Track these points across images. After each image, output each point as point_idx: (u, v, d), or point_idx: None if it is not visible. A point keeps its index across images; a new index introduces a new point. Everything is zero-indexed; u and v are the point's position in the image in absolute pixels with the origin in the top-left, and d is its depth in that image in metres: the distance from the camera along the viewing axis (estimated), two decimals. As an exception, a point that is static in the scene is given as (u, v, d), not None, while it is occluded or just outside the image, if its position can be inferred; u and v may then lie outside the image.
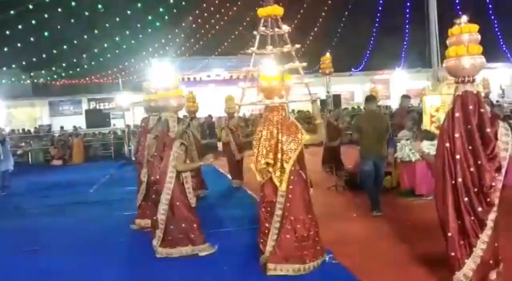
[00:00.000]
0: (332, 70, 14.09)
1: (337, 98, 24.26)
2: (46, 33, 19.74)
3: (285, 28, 5.46)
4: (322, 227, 6.12)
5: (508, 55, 26.11)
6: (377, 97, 7.15)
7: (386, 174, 8.54)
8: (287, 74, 4.90)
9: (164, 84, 6.11)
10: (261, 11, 5.10)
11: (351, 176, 8.89)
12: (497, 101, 23.63)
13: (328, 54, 14.07)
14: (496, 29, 25.01)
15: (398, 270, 4.58)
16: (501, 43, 25.61)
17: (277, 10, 5.09)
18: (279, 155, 4.62)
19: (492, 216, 3.72)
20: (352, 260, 4.85)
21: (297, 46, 5.22)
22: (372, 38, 25.89)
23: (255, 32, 5.07)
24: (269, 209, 4.71)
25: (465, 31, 3.90)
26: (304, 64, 5.01)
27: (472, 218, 3.73)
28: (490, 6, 23.64)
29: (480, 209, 3.71)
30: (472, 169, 3.70)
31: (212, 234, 5.84)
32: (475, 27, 3.92)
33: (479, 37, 3.93)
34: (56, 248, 6.17)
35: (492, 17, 23.99)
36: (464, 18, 3.97)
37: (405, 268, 4.59)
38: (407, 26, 24.36)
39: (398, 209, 7.11)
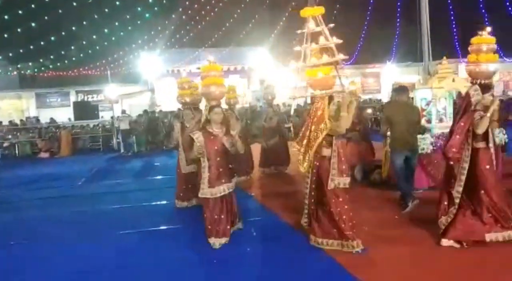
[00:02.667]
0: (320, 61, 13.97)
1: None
2: (33, 24, 19.42)
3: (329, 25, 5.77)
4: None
5: (498, 49, 26.25)
6: (408, 88, 7.06)
7: (377, 167, 8.57)
8: (327, 66, 5.12)
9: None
10: (304, 12, 5.46)
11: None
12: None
13: (315, 45, 13.97)
14: (487, 24, 25.11)
15: (388, 262, 4.56)
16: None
17: (319, 10, 5.59)
18: (305, 142, 5.16)
19: None
20: (341, 252, 4.84)
21: (339, 41, 5.44)
22: (363, 32, 25.87)
23: (304, 31, 5.39)
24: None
25: (484, 41, 5.03)
26: (346, 56, 5.25)
27: None
28: (480, 1, 23.76)
29: None
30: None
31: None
32: (493, 39, 5.08)
33: (495, 46, 5.12)
34: (44, 241, 6.09)
35: (483, 11, 24.11)
36: (488, 29, 5.13)
37: (394, 263, 4.58)
38: (398, 20, 24.40)
39: (388, 202, 7.10)
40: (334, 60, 5.26)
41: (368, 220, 6.02)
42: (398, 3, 23.19)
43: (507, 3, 22.87)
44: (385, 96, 25.14)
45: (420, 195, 7.25)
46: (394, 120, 6.73)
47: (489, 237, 4.71)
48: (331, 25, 5.65)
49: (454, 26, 24.89)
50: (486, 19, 24.63)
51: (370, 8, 24.54)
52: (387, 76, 26.88)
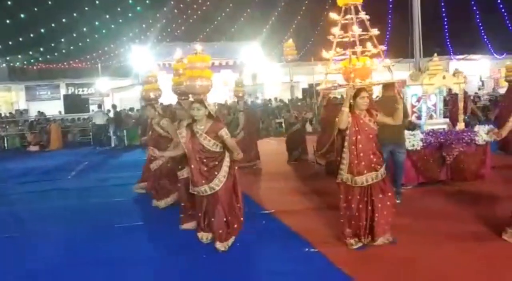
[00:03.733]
0: (296, 58, 14.02)
1: (319, 87, 24.23)
2: (22, 16, 19.19)
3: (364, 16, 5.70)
4: (297, 215, 6.22)
5: (489, 47, 26.44)
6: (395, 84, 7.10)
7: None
8: (363, 57, 4.91)
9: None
10: (341, 0, 5.34)
11: (333, 164, 8.90)
12: (476, 93, 24.03)
13: (290, 41, 13.93)
14: (478, 21, 25.28)
15: (375, 257, 4.60)
16: (483, 35, 25.90)
17: None
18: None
19: None
20: (330, 248, 4.85)
21: (377, 32, 5.40)
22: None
23: (335, 17, 5.32)
24: None
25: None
26: (384, 47, 5.20)
27: None
28: (472, -3, 23.88)
29: None
30: None
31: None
32: None
33: None
34: (35, 234, 6.05)
35: (474, 8, 24.24)
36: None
37: (385, 257, 4.61)
38: (390, 16, 24.45)
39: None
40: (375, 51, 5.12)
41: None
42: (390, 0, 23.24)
43: (498, 1, 23.01)
44: (376, 92, 25.23)
45: (409, 191, 7.33)
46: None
47: None
48: (367, 16, 5.52)
49: (445, 23, 25.01)
50: (477, 17, 24.82)
51: (362, 4, 24.54)
52: (379, 72, 26.94)
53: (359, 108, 4.79)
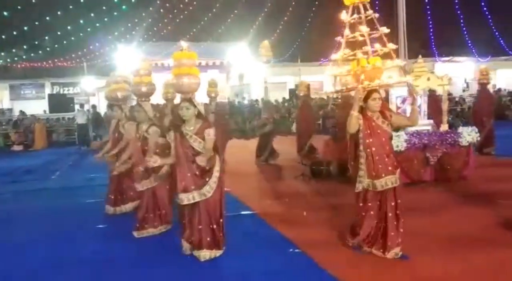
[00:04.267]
0: (271, 59, 14.09)
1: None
2: (5, 13, 18.92)
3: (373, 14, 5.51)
4: (282, 216, 6.23)
5: (473, 50, 26.78)
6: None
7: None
8: (375, 56, 4.71)
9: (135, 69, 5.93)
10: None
11: (318, 165, 8.98)
12: (460, 95, 24.36)
13: (266, 42, 13.98)
14: (462, 25, 25.61)
15: (359, 258, 4.62)
16: (466, 38, 26.24)
17: None
18: None
19: None
20: (314, 249, 4.85)
21: (387, 30, 5.20)
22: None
23: (343, 18, 5.09)
24: None
25: None
26: (395, 46, 4.91)
27: None
28: (456, 1, 24.17)
29: None
30: None
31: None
32: None
33: None
34: (18, 234, 5.96)
35: (458, 12, 24.55)
36: None
37: (369, 258, 4.63)
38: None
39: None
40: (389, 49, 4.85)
41: (344, 216, 6.09)
42: (376, 2, 23.39)
43: (482, 3, 23.34)
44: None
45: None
46: None
47: None
48: (376, 14, 5.35)
49: (430, 26, 25.29)
50: (461, 20, 25.14)
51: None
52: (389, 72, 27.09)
53: (371, 110, 4.55)
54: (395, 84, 4.75)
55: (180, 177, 4.56)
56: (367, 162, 4.53)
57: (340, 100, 11.16)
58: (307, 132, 11.45)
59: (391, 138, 4.69)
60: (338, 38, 5.19)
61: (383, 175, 4.48)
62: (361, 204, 4.64)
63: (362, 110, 4.55)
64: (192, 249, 4.72)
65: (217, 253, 4.68)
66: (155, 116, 6.14)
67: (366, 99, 4.54)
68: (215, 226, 4.67)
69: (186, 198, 4.55)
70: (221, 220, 4.73)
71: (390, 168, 4.51)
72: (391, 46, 4.96)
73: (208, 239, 4.63)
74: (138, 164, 5.52)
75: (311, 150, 11.16)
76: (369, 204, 4.60)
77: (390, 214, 4.51)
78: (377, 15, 5.39)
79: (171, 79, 4.94)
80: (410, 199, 6.85)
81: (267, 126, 11.43)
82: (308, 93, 11.81)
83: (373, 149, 4.51)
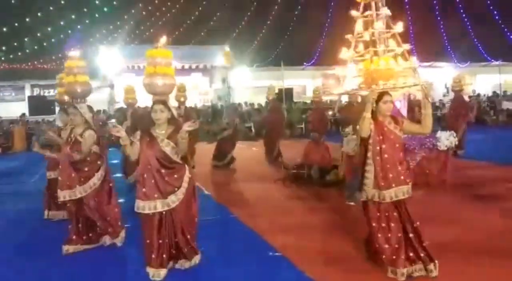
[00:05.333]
0: (230, 65, 14.27)
1: (289, 92, 24.46)
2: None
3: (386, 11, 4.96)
4: (262, 219, 6.23)
5: (453, 55, 27.23)
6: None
7: (333, 167, 8.74)
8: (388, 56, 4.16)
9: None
10: None
11: (298, 170, 9.05)
12: (440, 100, 24.73)
13: (227, 48, 14.14)
14: (442, 30, 26.05)
15: (339, 261, 4.65)
16: (446, 44, 26.67)
17: None
18: None
19: None
20: (293, 252, 4.87)
21: (400, 28, 4.64)
22: (324, 33, 26.26)
23: (354, 14, 4.62)
24: None
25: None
26: (409, 46, 4.28)
27: None
28: (436, 7, 24.60)
29: None
30: None
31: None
32: None
33: None
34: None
35: (438, 19, 24.97)
36: None
37: (347, 259, 4.67)
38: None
39: (341, 202, 7.25)
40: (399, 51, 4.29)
41: (324, 219, 6.13)
42: (359, 7, 23.67)
43: (461, 10, 23.78)
44: (345, 97, 25.61)
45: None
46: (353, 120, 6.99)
47: None
48: (389, 11, 4.79)
49: (411, 31, 25.64)
50: (441, 25, 25.57)
51: (331, 10, 24.96)
52: (348, 78, 27.34)
53: (383, 113, 4.19)
54: (410, 86, 4.22)
55: (142, 183, 4.19)
56: (376, 171, 4.14)
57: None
58: (276, 136, 11.74)
59: (403, 144, 4.32)
60: (349, 36, 4.74)
61: (393, 185, 4.10)
62: (369, 215, 4.24)
63: (372, 114, 4.18)
64: (168, 261, 4.37)
65: (196, 259, 4.48)
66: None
67: (377, 101, 4.20)
68: (189, 237, 4.37)
69: (147, 207, 4.16)
70: (194, 228, 4.45)
71: (402, 177, 4.15)
72: (406, 46, 4.38)
73: (186, 250, 4.38)
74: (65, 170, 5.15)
75: (278, 154, 11.46)
76: (378, 214, 4.19)
77: (408, 226, 4.14)
78: (389, 12, 4.75)
79: (143, 79, 4.48)
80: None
81: (226, 131, 11.31)
82: (275, 97, 12.34)
83: (385, 156, 4.13)
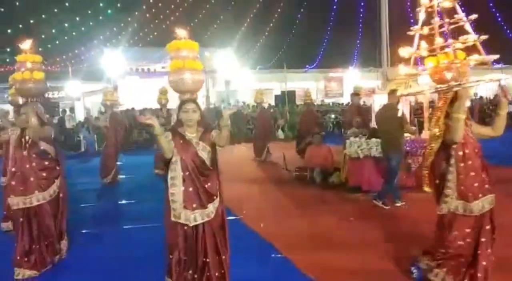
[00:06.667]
0: (213, 70, 14.65)
1: (291, 94, 24.50)
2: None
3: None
4: (265, 220, 6.26)
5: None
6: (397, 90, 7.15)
7: (335, 169, 8.78)
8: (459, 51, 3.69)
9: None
10: None
11: (300, 172, 9.12)
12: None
13: (207, 53, 14.46)
14: (445, 33, 25.98)
15: (342, 262, 4.69)
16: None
17: None
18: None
19: None
20: (296, 254, 4.91)
21: (474, 15, 4.16)
22: (327, 36, 26.32)
23: (424, 2, 4.18)
24: None
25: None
26: (481, 37, 3.71)
27: None
28: (438, 9, 24.55)
29: None
30: None
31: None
32: None
33: None
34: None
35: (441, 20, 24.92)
36: None
37: (349, 261, 4.70)
38: (360, 25, 24.94)
39: (343, 204, 7.30)
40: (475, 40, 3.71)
41: (327, 222, 6.17)
42: (361, 10, 23.73)
43: (464, 12, 23.76)
44: (347, 100, 25.67)
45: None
46: (378, 123, 7.17)
47: None
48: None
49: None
50: (443, 27, 25.54)
51: (333, 13, 25.02)
52: (350, 80, 27.42)
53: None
54: (486, 82, 3.78)
55: (182, 194, 3.61)
56: (459, 179, 3.70)
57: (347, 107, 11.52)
58: (265, 137, 12.53)
59: (481, 148, 3.86)
60: (413, 28, 4.22)
61: (480, 195, 3.69)
62: (454, 232, 3.75)
63: (446, 116, 3.73)
64: None
65: None
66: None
67: (452, 102, 3.72)
68: (223, 258, 3.71)
69: (192, 218, 3.60)
70: (228, 249, 3.79)
71: (487, 186, 3.74)
72: (473, 36, 3.87)
73: (217, 274, 3.66)
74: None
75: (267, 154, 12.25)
76: (458, 232, 3.74)
77: (483, 240, 3.71)
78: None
79: (169, 75, 4.01)
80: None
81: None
82: (263, 100, 13.04)
83: (469, 162, 3.70)
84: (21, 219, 4.61)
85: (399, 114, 6.01)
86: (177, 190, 3.60)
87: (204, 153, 3.66)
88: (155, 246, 4.38)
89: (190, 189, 3.60)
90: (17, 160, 4.66)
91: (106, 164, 9.79)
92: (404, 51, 4.04)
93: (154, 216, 6.13)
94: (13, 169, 4.64)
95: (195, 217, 3.59)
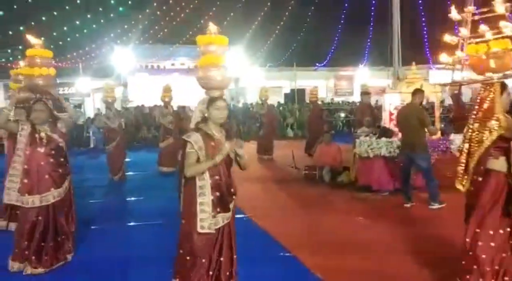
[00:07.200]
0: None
1: (301, 93, 24.45)
2: (1, 13, 18.88)
3: None
4: (274, 219, 6.24)
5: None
6: (423, 91, 7.06)
7: (344, 169, 8.72)
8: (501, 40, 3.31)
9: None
10: None
11: (309, 171, 9.09)
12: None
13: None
14: (457, 32, 25.74)
15: (347, 263, 4.65)
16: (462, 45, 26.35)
17: None
18: (466, 146, 3.60)
19: None
20: (305, 253, 4.88)
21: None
22: (337, 34, 26.18)
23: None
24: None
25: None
26: None
27: None
28: (451, 8, 24.32)
29: None
30: None
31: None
32: None
33: None
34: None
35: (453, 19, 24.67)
36: None
37: (356, 260, 4.67)
38: (371, 24, 24.79)
39: (352, 203, 7.25)
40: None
41: (333, 222, 6.13)
42: (372, 8, 23.57)
43: (476, 12, 23.51)
44: (358, 99, 25.55)
45: (385, 197, 7.44)
46: (399, 122, 7.06)
47: None
48: None
49: (425, 32, 25.46)
50: (455, 27, 25.29)
51: (344, 11, 24.88)
52: (360, 79, 27.29)
53: (504, 107, 3.53)
54: None
55: (218, 198, 3.49)
56: None
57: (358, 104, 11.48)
58: (271, 135, 12.82)
59: None
60: (464, 15, 3.88)
61: None
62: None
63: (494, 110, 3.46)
64: None
65: None
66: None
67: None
68: (234, 256, 3.68)
69: (216, 224, 3.48)
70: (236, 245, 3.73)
71: None
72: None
73: (227, 273, 3.62)
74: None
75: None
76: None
77: None
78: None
79: (198, 72, 3.86)
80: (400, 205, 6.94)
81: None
82: (267, 97, 13.25)
83: None
84: (35, 218, 4.51)
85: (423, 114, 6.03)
86: (206, 199, 3.44)
87: (232, 154, 3.56)
88: (161, 244, 4.35)
89: (218, 194, 3.49)
90: (30, 157, 4.53)
91: (115, 162, 9.81)
92: (452, 38, 3.92)
93: (161, 214, 6.18)
94: (25, 167, 4.50)
95: (217, 221, 3.50)
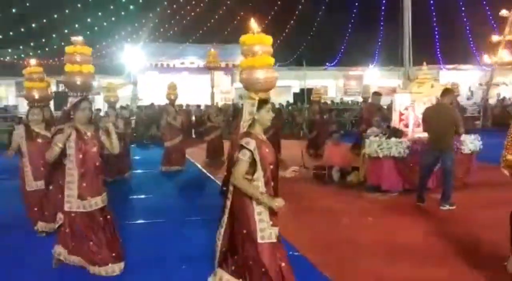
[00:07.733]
0: (218, 66, 14.49)
1: (311, 92, 24.33)
2: (13, 10, 19.06)
3: None
4: (282, 218, 6.21)
5: (478, 58, 26.75)
6: (454, 91, 7.00)
7: (353, 169, 8.70)
8: None
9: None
10: None
11: (318, 170, 9.07)
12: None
13: (212, 50, 14.27)
14: (468, 32, 25.61)
15: (355, 263, 4.65)
16: (472, 46, 26.22)
17: None
18: None
19: None
20: (313, 252, 4.89)
21: None
22: (348, 34, 26.10)
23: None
24: None
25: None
26: None
27: None
28: (463, 9, 24.19)
29: None
30: None
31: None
32: None
33: None
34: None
35: (465, 20, 24.56)
36: None
37: (366, 261, 4.66)
38: (381, 24, 24.68)
39: (362, 203, 7.23)
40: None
41: (342, 222, 6.12)
42: (382, 7, 23.47)
43: (489, 13, 23.36)
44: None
45: (395, 197, 7.41)
46: (428, 121, 6.95)
47: None
48: None
49: (436, 33, 25.30)
50: (467, 28, 25.13)
51: (354, 11, 24.81)
52: (370, 79, 27.17)
53: None
54: None
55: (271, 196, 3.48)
56: None
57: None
58: (275, 136, 12.29)
59: None
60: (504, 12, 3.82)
61: None
62: None
63: None
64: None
65: None
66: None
67: None
68: None
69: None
70: None
71: None
72: None
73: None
74: None
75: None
76: None
77: None
78: None
79: (240, 72, 3.76)
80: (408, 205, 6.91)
81: (213, 132, 11.83)
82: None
83: None
84: (97, 219, 4.41)
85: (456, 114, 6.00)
86: (262, 208, 3.39)
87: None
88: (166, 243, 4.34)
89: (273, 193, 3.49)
90: (83, 159, 4.33)
91: (123, 161, 9.81)
92: (497, 37, 3.77)
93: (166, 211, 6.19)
94: (82, 170, 4.32)
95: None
